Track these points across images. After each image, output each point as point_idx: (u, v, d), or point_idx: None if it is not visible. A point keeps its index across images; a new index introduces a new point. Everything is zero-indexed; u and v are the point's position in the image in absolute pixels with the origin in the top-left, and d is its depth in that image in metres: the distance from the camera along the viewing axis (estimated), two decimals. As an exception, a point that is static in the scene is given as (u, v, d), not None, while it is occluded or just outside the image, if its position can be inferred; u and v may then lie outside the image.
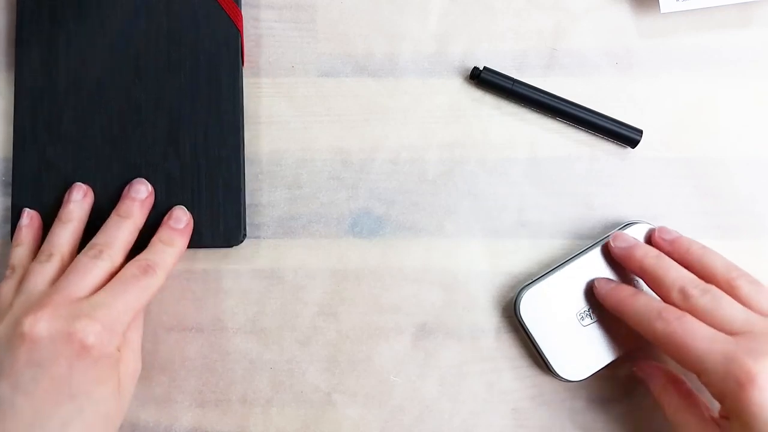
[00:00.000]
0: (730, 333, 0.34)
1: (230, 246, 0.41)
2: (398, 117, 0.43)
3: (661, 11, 0.42)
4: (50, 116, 0.41)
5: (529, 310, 0.40)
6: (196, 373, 0.41)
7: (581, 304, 0.40)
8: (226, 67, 0.41)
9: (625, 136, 0.42)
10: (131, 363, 0.37)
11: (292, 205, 0.42)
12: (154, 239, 0.39)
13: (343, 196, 0.42)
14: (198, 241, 0.40)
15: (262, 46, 0.43)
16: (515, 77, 0.42)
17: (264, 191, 0.42)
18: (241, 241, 0.41)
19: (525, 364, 0.41)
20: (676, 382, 0.38)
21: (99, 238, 0.38)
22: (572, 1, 0.43)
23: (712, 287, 0.35)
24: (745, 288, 0.36)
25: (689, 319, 0.35)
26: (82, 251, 0.37)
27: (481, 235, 0.42)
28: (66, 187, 0.40)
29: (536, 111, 0.43)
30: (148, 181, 0.40)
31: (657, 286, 0.37)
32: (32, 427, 0.32)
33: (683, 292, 0.35)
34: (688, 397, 0.37)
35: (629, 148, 0.42)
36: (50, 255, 0.37)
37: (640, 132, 0.42)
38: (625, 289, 0.38)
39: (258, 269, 0.42)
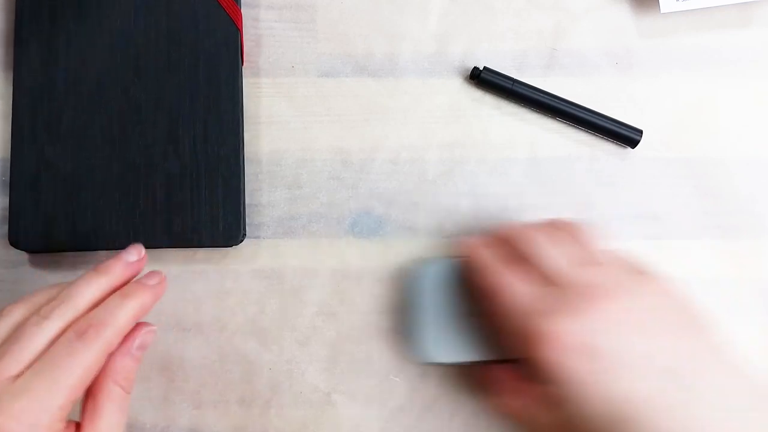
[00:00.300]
0: (549, 285, 0.33)
1: (230, 246, 0.41)
2: (398, 117, 0.43)
3: (661, 11, 0.42)
4: (49, 116, 0.41)
5: (427, 280, 0.39)
6: (194, 373, 0.41)
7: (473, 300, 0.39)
8: (225, 67, 0.41)
9: (625, 136, 0.42)
10: None
11: (292, 205, 0.42)
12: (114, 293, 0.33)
13: (343, 196, 0.42)
14: (197, 241, 0.40)
15: (262, 46, 0.43)
16: (515, 77, 0.42)
17: (264, 191, 0.42)
18: (241, 241, 0.40)
19: (525, 365, 0.41)
20: (508, 376, 0.36)
21: (59, 296, 0.32)
22: (572, 1, 0.43)
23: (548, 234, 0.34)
24: (576, 232, 0.35)
25: (509, 275, 0.34)
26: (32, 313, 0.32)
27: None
28: (66, 186, 0.40)
29: (536, 111, 0.43)
30: (147, 180, 0.40)
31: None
32: None
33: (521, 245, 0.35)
34: (516, 388, 0.35)
35: (629, 148, 0.42)
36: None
37: (640, 132, 0.42)
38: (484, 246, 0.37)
39: (258, 269, 0.41)
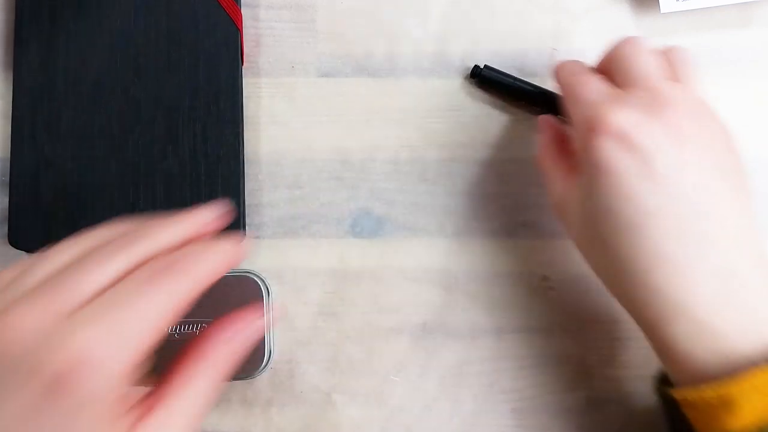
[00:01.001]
0: (626, 88, 0.34)
1: (230, 246, 0.41)
2: (398, 117, 0.43)
3: (661, 11, 0.42)
4: (49, 115, 0.41)
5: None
6: (195, 373, 0.41)
7: None
8: (225, 67, 0.41)
9: None
10: None
11: (292, 205, 0.42)
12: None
13: (343, 196, 0.42)
14: (198, 241, 0.40)
15: (262, 46, 0.43)
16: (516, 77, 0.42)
17: (264, 191, 0.42)
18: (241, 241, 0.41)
19: (525, 364, 0.41)
20: (558, 136, 0.39)
21: (127, 234, 0.27)
22: (572, 2, 0.43)
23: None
24: (678, 55, 0.35)
25: (591, 75, 0.35)
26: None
27: (481, 235, 0.42)
28: (66, 186, 0.40)
29: (537, 111, 0.43)
30: (147, 180, 0.40)
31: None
32: None
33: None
34: (561, 150, 0.38)
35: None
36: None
37: None
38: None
39: (258, 269, 0.41)
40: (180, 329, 0.38)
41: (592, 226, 0.33)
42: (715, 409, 0.29)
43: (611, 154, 0.31)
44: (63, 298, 0.23)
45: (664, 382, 0.33)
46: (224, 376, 0.27)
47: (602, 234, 0.32)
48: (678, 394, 0.31)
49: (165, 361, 0.27)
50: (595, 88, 0.34)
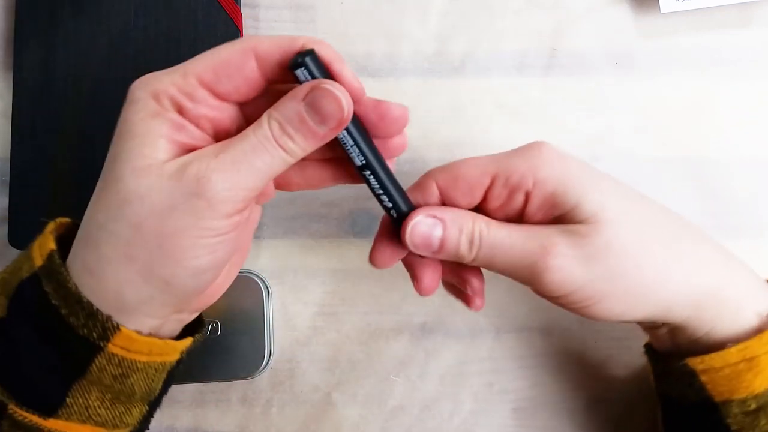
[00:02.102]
0: None
1: (230, 246, 0.41)
2: (398, 117, 0.43)
3: (661, 11, 0.42)
4: (49, 116, 0.41)
5: None
6: (195, 373, 0.41)
7: None
8: (225, 67, 0.41)
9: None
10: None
11: (292, 205, 0.42)
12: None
13: (343, 196, 0.42)
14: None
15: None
16: (515, 77, 0.42)
17: (264, 191, 0.42)
18: (241, 241, 0.41)
19: (525, 365, 0.41)
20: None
21: None
22: (572, 1, 0.43)
23: None
24: None
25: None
26: None
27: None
28: (66, 186, 0.40)
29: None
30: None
31: None
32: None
33: None
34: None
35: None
36: None
37: None
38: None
39: (258, 269, 0.41)
40: None
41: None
42: (739, 372, 0.30)
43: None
44: None
45: (657, 358, 0.34)
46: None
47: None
48: (699, 362, 0.31)
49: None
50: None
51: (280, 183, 0.32)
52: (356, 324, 0.41)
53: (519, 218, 0.32)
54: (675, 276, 0.31)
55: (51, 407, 0.28)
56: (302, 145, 0.27)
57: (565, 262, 0.29)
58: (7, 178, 0.41)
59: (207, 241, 0.27)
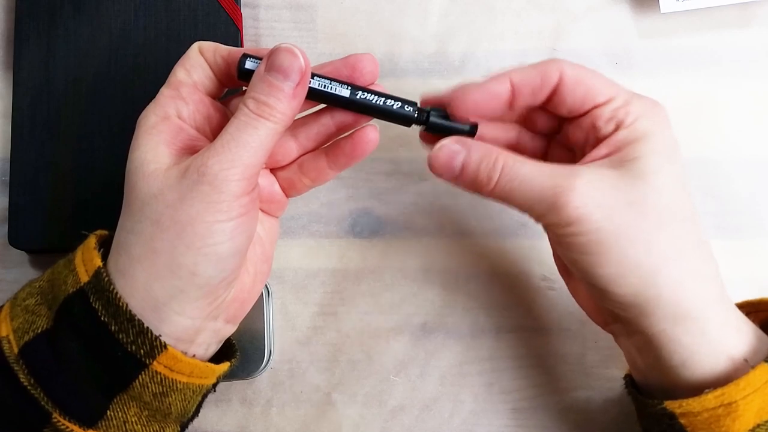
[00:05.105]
0: None
1: (230, 246, 0.41)
2: (398, 117, 0.43)
3: (661, 11, 0.42)
4: (49, 116, 0.41)
5: None
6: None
7: None
8: (225, 67, 0.41)
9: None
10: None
11: (292, 205, 0.42)
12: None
13: (343, 196, 0.42)
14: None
15: (262, 46, 0.43)
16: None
17: (264, 191, 0.42)
18: (241, 241, 0.41)
19: (525, 364, 0.41)
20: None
21: None
22: (572, 1, 0.43)
23: None
24: None
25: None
26: None
27: (482, 235, 0.42)
28: (65, 186, 0.40)
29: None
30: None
31: None
32: None
33: None
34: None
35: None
36: None
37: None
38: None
39: (258, 269, 0.41)
40: None
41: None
42: (718, 416, 0.29)
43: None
44: None
45: (637, 397, 0.34)
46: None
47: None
48: (678, 406, 0.30)
49: None
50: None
51: (287, 188, 0.35)
52: (356, 324, 0.41)
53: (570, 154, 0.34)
54: (680, 265, 0.30)
55: (92, 419, 0.29)
56: (280, 108, 0.30)
57: (588, 193, 0.29)
58: (7, 178, 0.41)
59: (221, 226, 0.29)
